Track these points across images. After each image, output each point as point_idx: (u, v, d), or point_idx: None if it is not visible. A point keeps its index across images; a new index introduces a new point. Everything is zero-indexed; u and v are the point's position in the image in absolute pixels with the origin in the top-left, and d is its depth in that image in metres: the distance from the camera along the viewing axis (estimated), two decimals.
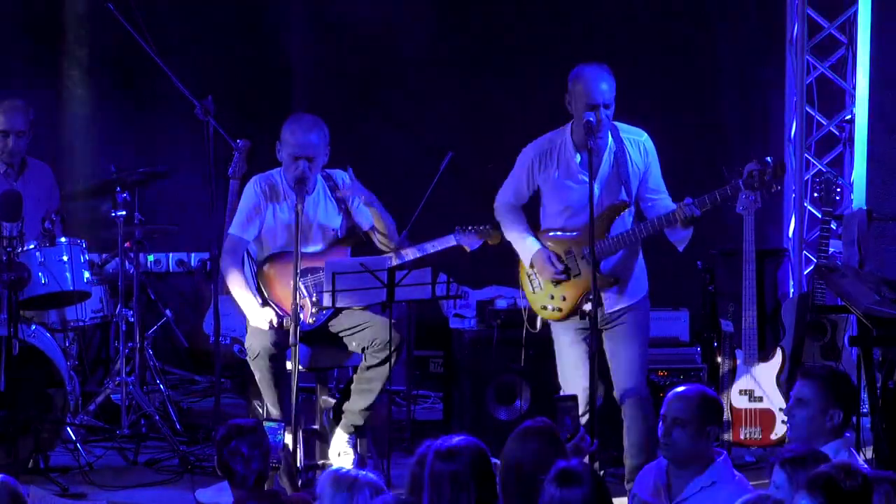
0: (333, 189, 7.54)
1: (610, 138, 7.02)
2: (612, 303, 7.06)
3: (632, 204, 7.06)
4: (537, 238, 7.14)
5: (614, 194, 7.04)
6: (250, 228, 7.46)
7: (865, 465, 5.42)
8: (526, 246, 7.14)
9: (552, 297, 7.09)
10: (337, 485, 4.78)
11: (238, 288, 7.39)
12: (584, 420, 6.58)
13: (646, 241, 7.12)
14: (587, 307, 6.79)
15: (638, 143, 7.08)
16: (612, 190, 7.04)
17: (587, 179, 6.85)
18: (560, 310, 7.08)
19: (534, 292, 7.14)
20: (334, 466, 5.06)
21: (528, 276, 7.15)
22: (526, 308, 7.29)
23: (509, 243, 7.31)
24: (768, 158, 7.00)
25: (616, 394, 7.09)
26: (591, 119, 6.86)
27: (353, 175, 7.46)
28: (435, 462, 4.77)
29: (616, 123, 7.05)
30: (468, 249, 7.59)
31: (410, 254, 7.45)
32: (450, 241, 7.56)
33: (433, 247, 7.52)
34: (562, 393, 6.82)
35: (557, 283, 7.06)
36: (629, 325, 7.09)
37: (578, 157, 7.01)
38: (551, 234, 7.14)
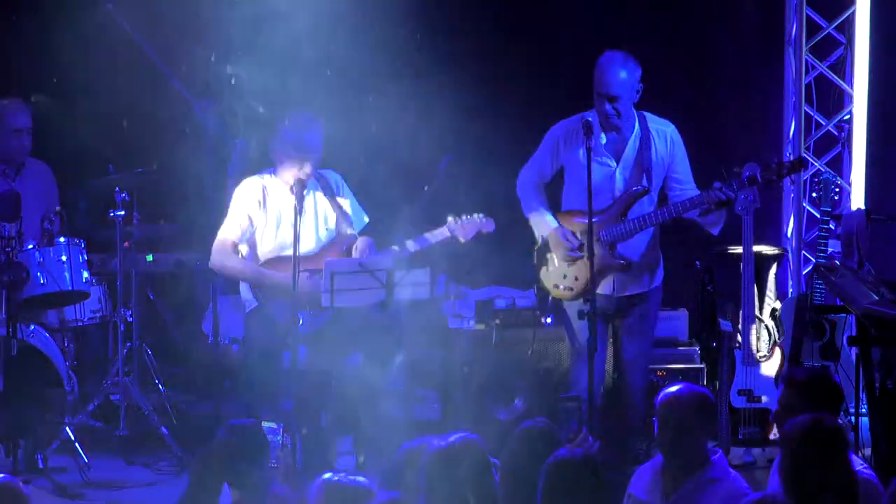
0: (327, 189, 7.52)
1: (637, 126, 7.09)
2: (622, 287, 7.10)
3: (652, 191, 7.11)
4: (555, 217, 7.17)
5: (636, 180, 7.09)
6: (242, 231, 7.42)
7: (865, 465, 5.42)
8: (543, 222, 7.17)
9: (564, 276, 7.13)
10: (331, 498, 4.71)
11: (247, 270, 7.35)
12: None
13: (664, 226, 7.14)
14: (585, 308, 6.81)
15: (664, 133, 7.15)
16: (634, 175, 7.09)
17: (610, 162, 7.01)
18: (571, 289, 7.11)
19: (548, 270, 7.17)
20: (330, 472, 5.00)
21: (543, 254, 7.17)
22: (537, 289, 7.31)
23: (508, 235, 7.33)
24: (786, 159, 7.06)
25: (614, 378, 7.13)
26: (590, 119, 6.90)
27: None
28: (432, 463, 4.76)
29: (644, 113, 7.12)
30: (462, 240, 7.55)
31: (410, 247, 7.43)
32: (444, 233, 7.52)
33: (433, 238, 7.48)
34: (567, 394, 6.83)
35: (572, 261, 7.08)
36: (640, 319, 7.16)
37: (604, 139, 7.05)
38: (570, 218, 7.17)
